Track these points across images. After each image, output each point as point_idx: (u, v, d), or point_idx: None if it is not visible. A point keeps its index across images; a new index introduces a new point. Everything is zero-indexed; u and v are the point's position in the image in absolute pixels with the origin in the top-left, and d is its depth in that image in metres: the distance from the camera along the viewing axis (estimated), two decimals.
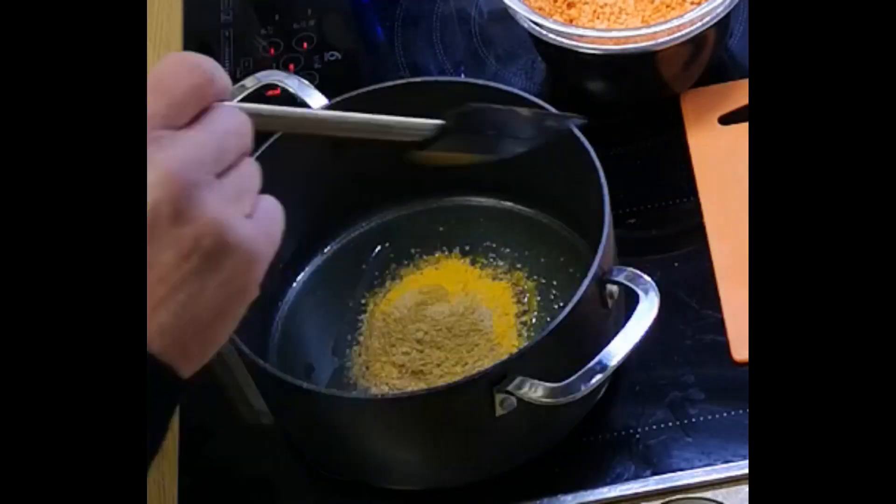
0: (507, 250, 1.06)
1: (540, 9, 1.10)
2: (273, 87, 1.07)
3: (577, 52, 1.08)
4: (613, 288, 0.92)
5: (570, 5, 1.11)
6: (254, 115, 0.65)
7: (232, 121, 0.63)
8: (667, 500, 0.91)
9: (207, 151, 0.62)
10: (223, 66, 1.24)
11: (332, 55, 1.25)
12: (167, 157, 0.61)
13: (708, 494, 0.92)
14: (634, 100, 1.14)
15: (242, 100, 1.06)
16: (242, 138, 0.64)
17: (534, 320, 1.02)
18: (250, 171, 0.65)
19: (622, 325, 0.88)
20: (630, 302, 0.90)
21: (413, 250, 1.08)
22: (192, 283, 0.61)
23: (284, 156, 1.01)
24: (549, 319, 1.00)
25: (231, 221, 0.62)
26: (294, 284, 1.07)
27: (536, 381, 0.87)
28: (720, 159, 1.09)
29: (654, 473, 0.95)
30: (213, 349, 0.64)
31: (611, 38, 1.06)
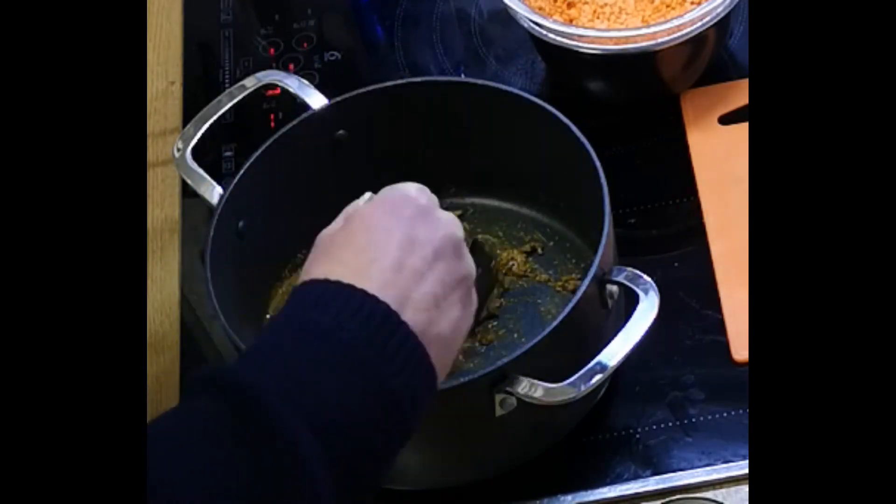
0: (508, 250, 1.06)
1: (540, 9, 1.10)
2: (273, 86, 1.07)
3: (577, 52, 1.08)
4: (613, 288, 0.92)
5: (570, 5, 1.11)
6: None
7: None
8: (667, 500, 0.91)
9: None
10: (223, 66, 1.25)
11: (332, 55, 1.25)
12: (453, 218, 0.79)
13: (708, 494, 0.92)
14: (634, 100, 1.14)
15: (242, 99, 1.06)
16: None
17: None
18: None
19: (622, 325, 0.88)
20: (630, 302, 0.90)
21: None
22: (460, 308, 0.77)
23: (284, 156, 1.01)
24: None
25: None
26: None
27: (536, 381, 0.87)
28: (720, 159, 1.09)
29: (654, 473, 0.95)
30: (448, 369, 0.77)
31: (611, 38, 1.06)
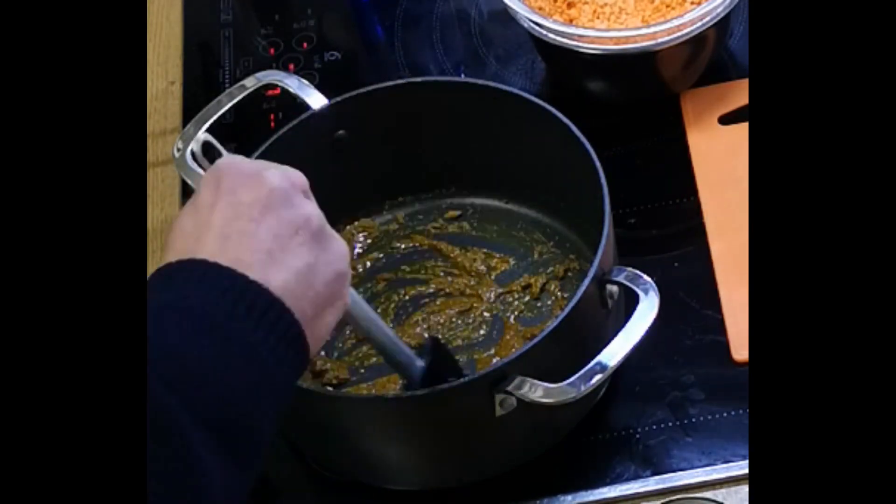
0: (508, 250, 1.06)
1: (540, 9, 1.10)
2: (273, 86, 1.08)
3: (577, 52, 1.08)
4: (613, 288, 0.92)
5: (570, 5, 1.11)
6: None
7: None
8: (667, 500, 0.91)
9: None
10: (223, 66, 1.25)
11: (332, 55, 1.25)
12: (279, 171, 0.77)
13: (708, 494, 0.92)
14: (634, 100, 1.14)
15: (242, 99, 1.06)
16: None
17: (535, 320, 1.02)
18: None
19: (622, 325, 0.88)
20: (630, 302, 0.90)
21: (413, 250, 1.08)
22: (306, 254, 0.74)
23: (284, 156, 1.01)
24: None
25: (325, 220, 0.78)
26: None
27: (536, 381, 0.87)
28: (720, 159, 1.09)
29: (654, 473, 0.95)
30: (327, 329, 0.76)
31: (611, 38, 1.06)
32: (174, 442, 0.65)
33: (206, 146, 0.78)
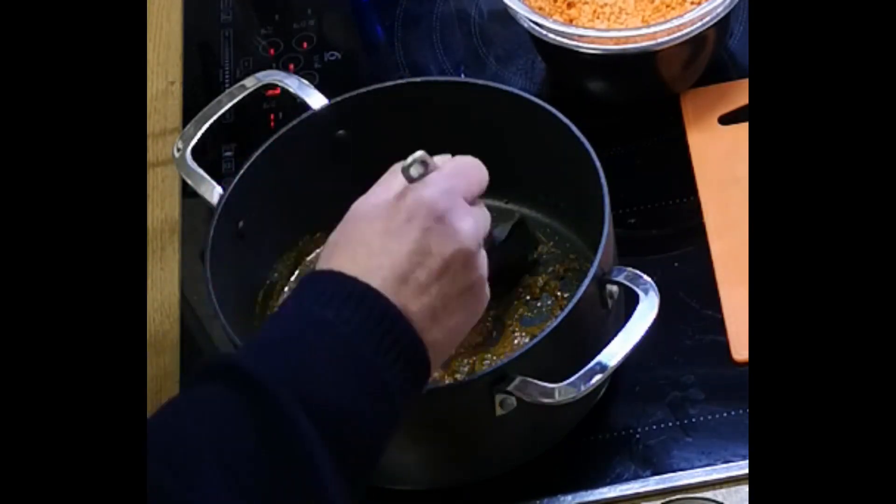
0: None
1: (540, 9, 1.10)
2: (273, 86, 1.08)
3: (577, 52, 1.08)
4: (613, 288, 0.92)
5: (570, 5, 1.11)
6: None
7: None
8: (667, 500, 0.91)
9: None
10: (223, 66, 1.25)
11: (332, 55, 1.25)
12: (474, 224, 0.79)
13: (708, 494, 0.92)
14: (634, 100, 1.14)
15: (242, 99, 1.06)
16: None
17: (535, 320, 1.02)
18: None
19: (622, 325, 0.88)
20: (630, 302, 0.90)
21: None
22: (462, 316, 0.79)
23: (284, 156, 1.01)
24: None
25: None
26: None
27: (536, 381, 0.87)
28: (720, 159, 1.09)
29: (654, 473, 0.95)
30: (442, 361, 0.81)
31: (611, 38, 1.06)
32: (307, 460, 0.69)
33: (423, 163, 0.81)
